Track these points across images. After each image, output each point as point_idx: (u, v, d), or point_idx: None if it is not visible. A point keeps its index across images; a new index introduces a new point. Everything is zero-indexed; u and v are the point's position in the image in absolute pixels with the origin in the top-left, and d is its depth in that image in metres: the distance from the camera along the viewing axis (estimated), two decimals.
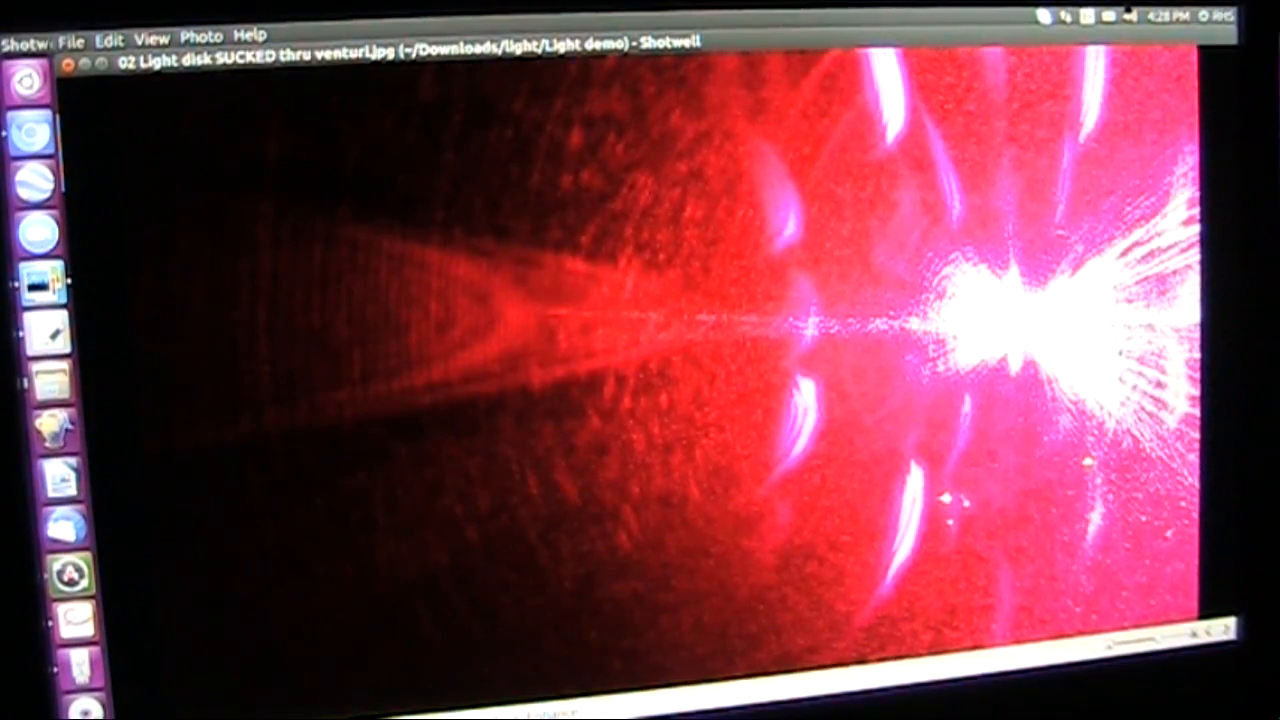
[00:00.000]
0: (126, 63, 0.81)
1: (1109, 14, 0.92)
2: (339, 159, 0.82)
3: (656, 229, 0.86)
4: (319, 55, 0.82)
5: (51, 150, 0.80)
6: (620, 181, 0.85)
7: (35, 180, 0.80)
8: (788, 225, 0.88)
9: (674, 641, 0.89)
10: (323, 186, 0.82)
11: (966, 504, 0.93)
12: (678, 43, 0.86)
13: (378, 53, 0.82)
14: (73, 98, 0.80)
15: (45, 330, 0.81)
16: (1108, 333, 0.94)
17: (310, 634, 0.85)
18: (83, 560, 0.82)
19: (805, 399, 0.89)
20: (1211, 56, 0.93)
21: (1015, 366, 0.92)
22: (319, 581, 0.84)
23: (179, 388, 0.82)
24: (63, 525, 0.82)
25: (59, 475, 0.81)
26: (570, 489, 0.86)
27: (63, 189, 0.80)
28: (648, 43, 0.85)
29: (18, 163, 0.80)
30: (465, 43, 0.83)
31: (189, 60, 0.81)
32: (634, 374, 0.86)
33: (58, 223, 0.81)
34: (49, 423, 0.81)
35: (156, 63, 0.81)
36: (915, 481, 0.91)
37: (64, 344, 0.81)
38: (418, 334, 0.83)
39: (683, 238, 0.86)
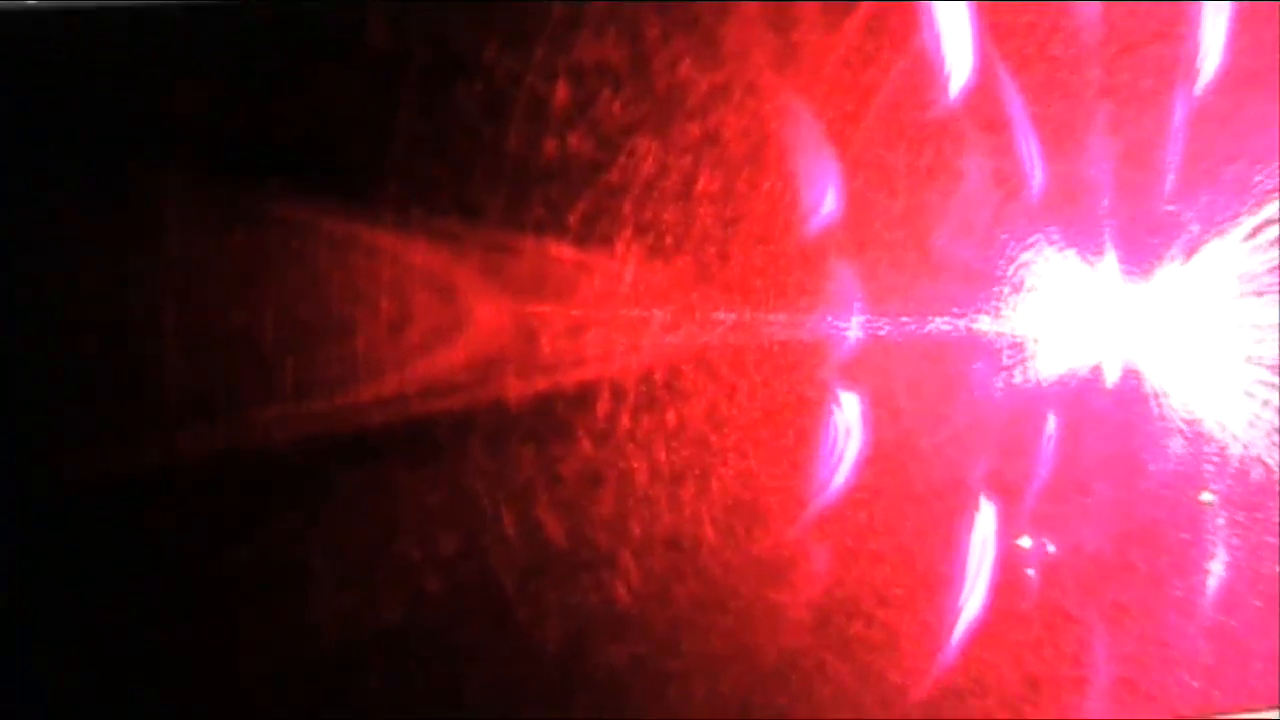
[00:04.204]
0: None
1: None
2: (267, 119, 0.87)
3: (662, 206, 0.91)
4: None
5: None
6: (617, 147, 0.91)
7: None
8: (825, 201, 0.93)
9: (683, 718, 0.94)
10: (246, 152, 0.87)
11: (1051, 549, 0.98)
12: None
13: None
14: None
15: None
16: (1231, 334, 1.00)
17: (228, 707, 0.91)
18: None
19: (847, 417, 0.94)
20: None
21: (1112, 377, 0.98)
22: (240, 645, 0.90)
23: (65, 405, 0.87)
24: None
25: None
26: (555, 529, 0.92)
27: None
28: None
29: None
30: None
31: None
32: (634, 386, 0.92)
33: None
34: None
35: None
36: (986, 521, 0.96)
37: None
38: (365, 337, 0.89)
39: (695, 217, 0.92)
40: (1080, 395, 0.97)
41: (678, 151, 0.92)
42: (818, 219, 0.94)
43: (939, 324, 0.94)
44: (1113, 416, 0.98)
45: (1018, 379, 0.96)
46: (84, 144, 0.88)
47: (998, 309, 0.95)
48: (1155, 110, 0.98)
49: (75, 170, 0.88)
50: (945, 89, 0.95)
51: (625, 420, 0.92)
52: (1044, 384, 0.97)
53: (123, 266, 0.88)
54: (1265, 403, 1.01)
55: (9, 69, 0.87)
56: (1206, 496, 1.00)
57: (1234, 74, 0.99)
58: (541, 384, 0.91)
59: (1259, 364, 1.00)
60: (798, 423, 0.94)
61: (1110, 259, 0.97)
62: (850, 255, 0.94)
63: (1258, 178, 1.01)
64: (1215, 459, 1.01)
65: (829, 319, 0.93)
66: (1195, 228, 0.99)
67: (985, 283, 0.95)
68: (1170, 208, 0.99)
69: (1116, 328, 0.96)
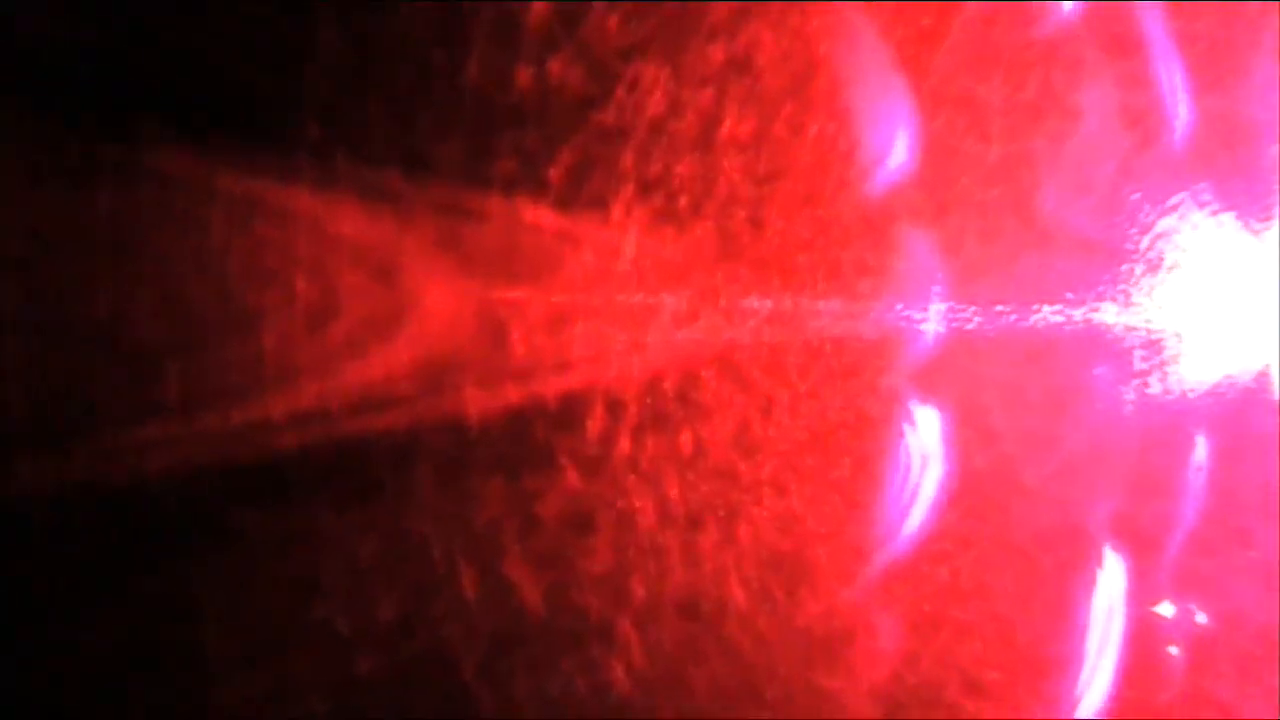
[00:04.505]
0: None
1: None
2: (139, 39, 0.78)
3: (674, 157, 0.83)
4: None
5: None
6: (613, 77, 0.83)
7: None
8: (894, 149, 0.85)
9: None
10: (113, 86, 0.78)
11: (1201, 619, 0.90)
12: None
13: None
14: None
15: None
16: None
17: None
18: None
19: (924, 440, 0.86)
20: None
21: None
22: None
23: None
24: None
25: None
26: (530, 590, 0.83)
27: None
28: None
29: None
30: None
31: None
32: (636, 398, 0.83)
33: None
34: None
35: None
36: (1113, 580, 0.88)
37: None
38: (275, 332, 0.80)
39: (718, 171, 0.84)
40: (1240, 411, 0.88)
41: (695, 83, 0.83)
42: (884, 173, 0.85)
43: (1048, 315, 0.85)
44: None
45: (1155, 389, 0.86)
46: None
47: (1127, 294, 0.85)
48: None
49: None
50: None
51: (624, 444, 0.83)
52: (1191, 396, 0.87)
53: None
54: None
55: None
56: None
57: None
58: (513, 394, 0.82)
59: None
60: (857, 447, 0.86)
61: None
62: (927, 222, 0.85)
63: None
64: None
65: (899, 308, 0.85)
66: None
67: (1110, 259, 0.86)
68: None
69: None
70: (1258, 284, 0.86)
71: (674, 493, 0.82)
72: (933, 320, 0.83)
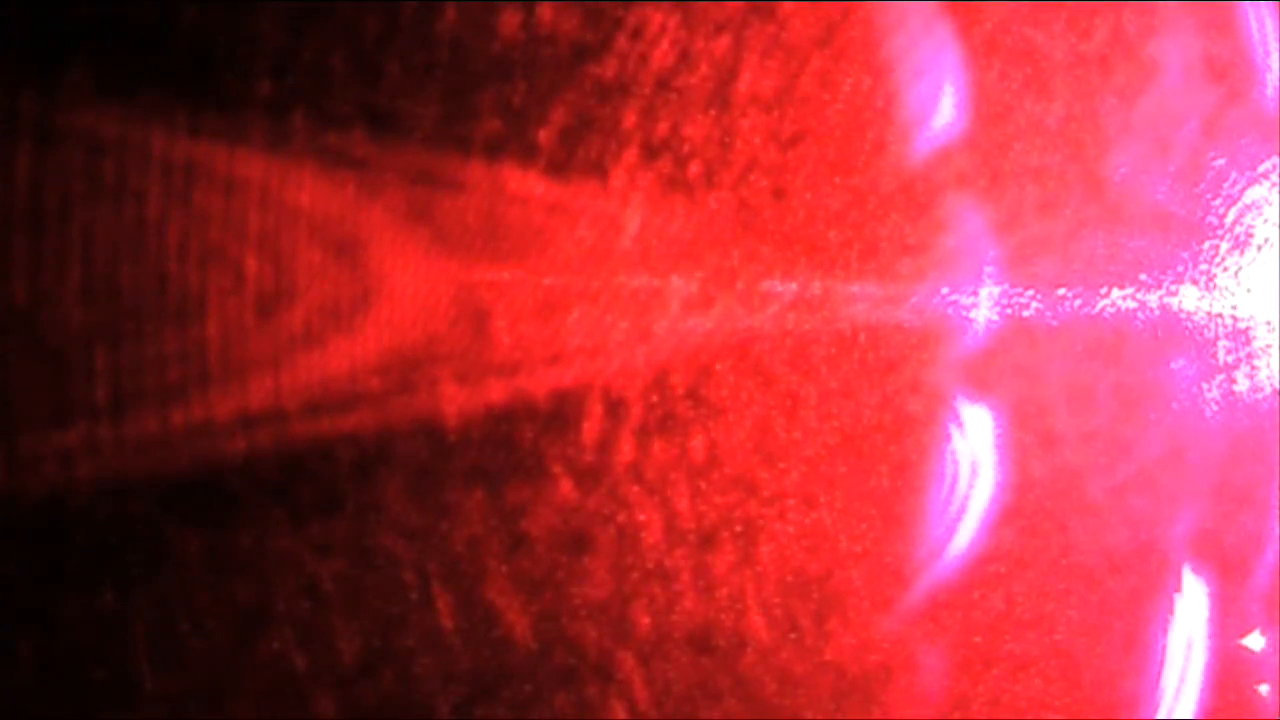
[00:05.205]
0: None
1: None
2: None
3: (685, 117, 0.78)
4: None
5: None
6: (615, 23, 0.77)
7: None
8: (940, 108, 0.80)
9: None
10: (28, 31, 0.72)
11: None
12: None
13: None
14: None
15: None
16: None
17: None
18: None
19: (974, 444, 0.81)
20: None
21: None
22: None
23: None
24: None
25: None
26: (517, 620, 0.78)
27: None
28: None
29: None
30: None
31: None
32: (640, 396, 0.79)
33: None
34: None
35: None
36: (1192, 607, 0.83)
37: None
38: (221, 319, 0.75)
39: (735, 133, 0.79)
40: None
41: (708, 31, 0.78)
42: (928, 136, 0.80)
43: (1118, 300, 0.80)
44: None
45: (1243, 386, 0.81)
46: None
47: (1210, 276, 0.81)
48: None
49: None
50: None
51: (626, 449, 0.78)
52: None
53: None
54: None
55: None
56: None
57: None
58: (496, 392, 0.77)
59: None
60: (896, 453, 0.80)
61: None
62: (978, 192, 0.80)
63: None
64: None
65: (945, 291, 0.80)
66: None
67: (1191, 235, 0.81)
68: None
69: None
70: None
71: (684, 506, 0.77)
72: (984, 306, 0.78)
